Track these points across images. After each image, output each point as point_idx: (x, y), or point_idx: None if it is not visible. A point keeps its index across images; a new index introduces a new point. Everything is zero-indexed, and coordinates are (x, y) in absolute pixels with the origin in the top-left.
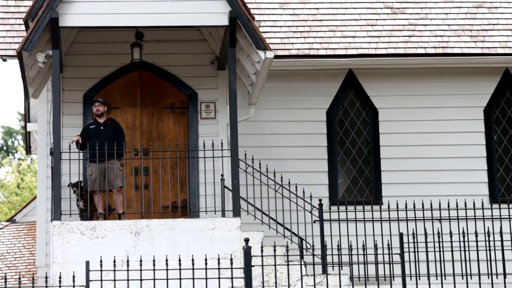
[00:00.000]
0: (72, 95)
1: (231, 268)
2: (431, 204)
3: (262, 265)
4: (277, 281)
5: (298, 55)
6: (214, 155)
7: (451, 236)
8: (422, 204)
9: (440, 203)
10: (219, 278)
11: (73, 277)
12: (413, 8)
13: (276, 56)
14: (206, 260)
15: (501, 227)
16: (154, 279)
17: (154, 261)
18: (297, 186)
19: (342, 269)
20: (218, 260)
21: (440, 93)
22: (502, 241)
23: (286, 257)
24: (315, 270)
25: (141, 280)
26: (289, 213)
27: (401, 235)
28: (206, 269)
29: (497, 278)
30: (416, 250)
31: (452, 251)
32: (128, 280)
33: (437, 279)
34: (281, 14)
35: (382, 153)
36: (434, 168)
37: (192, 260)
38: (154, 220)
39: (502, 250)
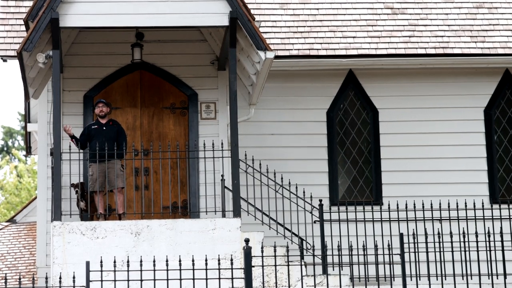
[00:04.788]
0: (73, 95)
1: (232, 269)
2: (431, 204)
3: (263, 266)
4: (277, 282)
5: (298, 56)
6: (214, 156)
7: (451, 237)
8: (423, 204)
9: (440, 204)
10: (219, 278)
11: (73, 277)
12: (413, 8)
13: (277, 57)
14: (206, 260)
15: (501, 228)
16: (155, 280)
17: (154, 261)
18: (298, 187)
19: (342, 270)
20: (219, 260)
21: (441, 93)
22: (502, 241)
23: (286, 257)
24: (316, 271)
25: (141, 280)
26: (289, 213)
27: (401, 235)
28: (206, 269)
29: (497, 278)
30: (416, 250)
31: (452, 251)
32: (128, 280)
33: (437, 279)
34: (282, 15)
35: (382, 154)
36: (435, 169)
37: (193, 261)
38: (155, 221)
39: (503, 250)
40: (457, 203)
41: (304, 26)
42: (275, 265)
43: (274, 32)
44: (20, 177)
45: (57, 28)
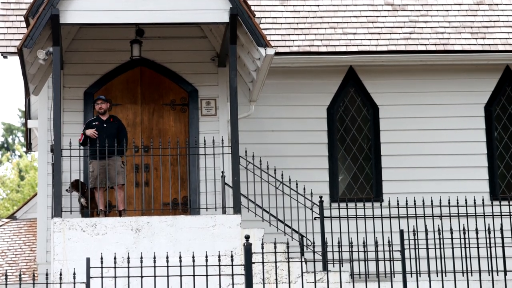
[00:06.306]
0: (73, 92)
1: (232, 265)
2: (431, 201)
3: (263, 262)
4: (277, 278)
5: (298, 52)
6: (214, 152)
7: (451, 233)
8: (423, 201)
9: (440, 200)
10: (219, 275)
11: (74, 274)
12: (413, 5)
13: (277, 53)
14: (206, 257)
15: (501, 224)
16: (155, 276)
17: (154, 258)
18: (298, 183)
19: (342, 266)
20: (219, 257)
21: (441, 90)
22: (502, 238)
23: (286, 254)
24: (316, 267)
25: (141, 277)
26: (289, 210)
27: (401, 232)
28: (206, 266)
29: (497, 275)
30: (416, 247)
31: (452, 248)
32: (128, 277)
33: (437, 276)
34: (282, 11)
35: (382, 150)
36: (435, 165)
37: (193, 257)
38: (155, 217)
39: (503, 247)
40: (457, 200)
41: (305, 23)
42: (276, 262)
43: (275, 29)
44: (25, 172)
45: (58, 24)
